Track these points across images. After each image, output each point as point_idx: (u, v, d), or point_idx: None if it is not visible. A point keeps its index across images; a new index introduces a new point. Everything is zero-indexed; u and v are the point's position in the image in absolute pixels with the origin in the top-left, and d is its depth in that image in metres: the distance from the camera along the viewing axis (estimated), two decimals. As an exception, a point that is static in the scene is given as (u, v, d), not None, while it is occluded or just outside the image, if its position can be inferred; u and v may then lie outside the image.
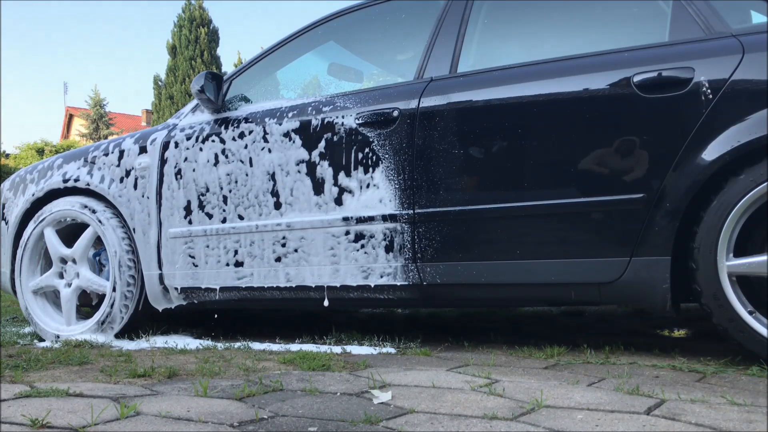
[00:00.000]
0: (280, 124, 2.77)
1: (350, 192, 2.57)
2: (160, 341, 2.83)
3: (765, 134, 1.95)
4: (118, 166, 3.07)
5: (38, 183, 3.28)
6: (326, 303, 2.61)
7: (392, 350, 2.51)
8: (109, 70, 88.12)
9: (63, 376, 2.06)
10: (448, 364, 2.19)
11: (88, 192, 3.13)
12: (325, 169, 2.63)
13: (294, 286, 2.68)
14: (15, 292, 3.27)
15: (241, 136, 2.84)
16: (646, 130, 2.14)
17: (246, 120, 2.87)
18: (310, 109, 2.73)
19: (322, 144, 2.64)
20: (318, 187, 2.64)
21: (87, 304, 3.28)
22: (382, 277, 2.50)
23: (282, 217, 2.70)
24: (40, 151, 25.32)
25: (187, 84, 22.81)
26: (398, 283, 2.49)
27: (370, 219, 2.52)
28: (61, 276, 3.15)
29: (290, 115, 2.77)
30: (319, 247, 2.62)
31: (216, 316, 3.11)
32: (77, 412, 1.58)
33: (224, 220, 2.82)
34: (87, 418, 1.51)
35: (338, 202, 2.59)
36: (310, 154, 2.66)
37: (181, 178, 2.93)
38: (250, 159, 2.79)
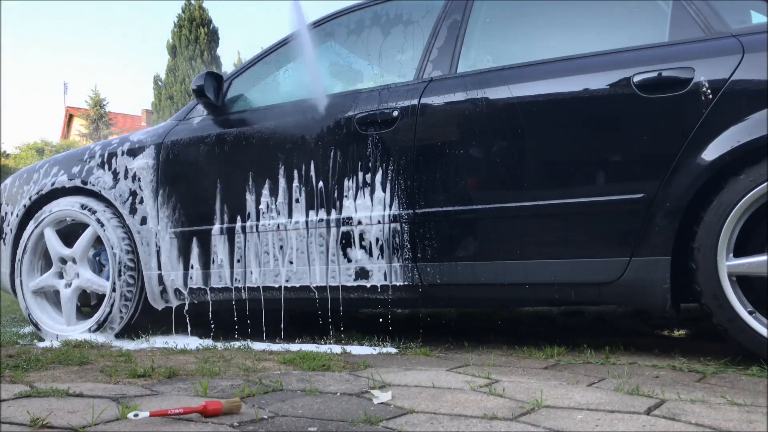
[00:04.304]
0: (281, 124, 2.77)
1: (350, 192, 2.57)
2: (159, 341, 2.83)
3: (765, 134, 1.95)
4: (118, 166, 3.07)
5: (40, 182, 3.27)
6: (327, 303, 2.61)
7: (392, 350, 2.51)
8: (109, 70, 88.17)
9: (63, 376, 2.06)
10: (448, 364, 2.19)
11: (88, 192, 3.13)
12: (324, 170, 2.63)
13: (292, 286, 2.68)
14: (15, 292, 3.27)
15: (241, 136, 2.84)
16: (646, 130, 2.14)
17: (246, 120, 2.87)
18: (310, 109, 2.72)
19: (322, 144, 2.64)
20: (318, 188, 2.64)
21: (87, 304, 3.28)
22: (382, 277, 2.51)
23: (281, 217, 2.70)
24: (40, 151, 25.34)
25: (187, 84, 22.82)
26: (398, 283, 2.49)
27: (370, 219, 2.52)
28: (61, 276, 3.15)
29: (290, 115, 2.77)
30: (318, 247, 2.62)
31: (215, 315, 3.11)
32: (77, 412, 1.58)
33: (223, 221, 2.82)
34: (87, 418, 1.51)
35: (338, 202, 2.59)
36: (310, 155, 2.66)
37: (178, 178, 2.93)
38: (250, 159, 2.79)
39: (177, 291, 2.92)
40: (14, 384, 1.92)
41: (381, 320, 2.94)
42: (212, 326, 2.88)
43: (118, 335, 2.99)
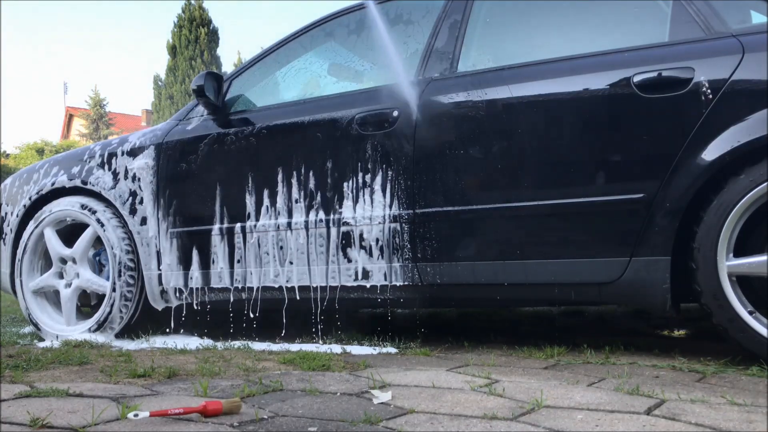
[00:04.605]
0: (280, 125, 2.77)
1: (350, 193, 2.57)
2: (159, 341, 2.83)
3: (765, 134, 1.95)
4: (118, 166, 3.07)
5: (40, 182, 3.27)
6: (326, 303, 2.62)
7: (392, 350, 2.51)
8: (109, 70, 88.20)
9: (63, 376, 2.06)
10: (448, 364, 2.19)
11: (88, 192, 3.13)
12: (325, 170, 2.63)
13: (292, 286, 2.68)
14: (15, 292, 3.27)
15: (240, 136, 2.84)
16: (646, 130, 2.14)
17: (245, 120, 2.87)
18: (310, 109, 2.73)
19: (322, 144, 2.64)
20: (318, 188, 2.64)
21: (87, 304, 3.28)
22: (382, 277, 2.50)
23: (281, 217, 2.70)
24: (40, 151, 25.34)
25: (187, 84, 22.81)
26: (398, 283, 2.49)
27: (370, 219, 2.52)
28: (61, 276, 3.15)
29: (290, 115, 2.77)
30: (318, 247, 2.62)
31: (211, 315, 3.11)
32: (77, 412, 1.58)
33: (223, 221, 2.82)
34: (87, 418, 1.51)
35: (338, 202, 2.59)
36: (309, 155, 2.66)
37: (178, 179, 2.93)
38: (249, 159, 2.79)
39: (177, 291, 2.92)
40: (14, 384, 1.92)
41: (381, 320, 2.94)
42: (212, 326, 2.88)
43: (118, 335, 2.99)
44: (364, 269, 2.54)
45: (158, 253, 2.94)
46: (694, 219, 2.07)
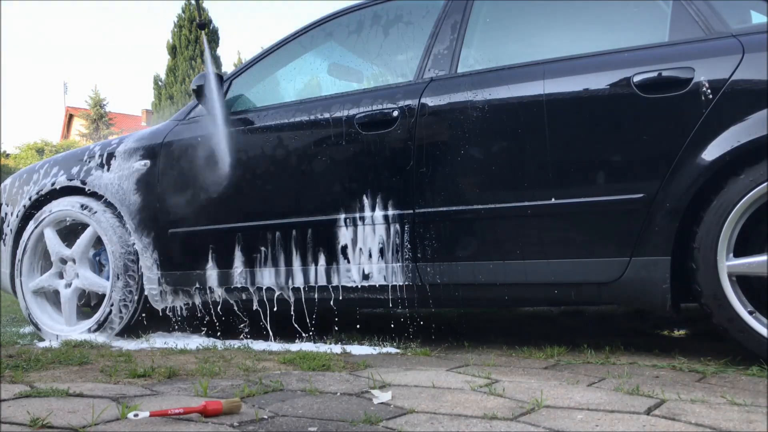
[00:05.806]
0: (280, 124, 2.77)
1: (350, 192, 2.57)
2: (159, 341, 2.83)
3: (765, 134, 1.95)
4: (118, 166, 3.07)
5: (39, 182, 3.27)
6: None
7: (392, 350, 2.51)
8: (109, 70, 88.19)
9: (63, 376, 2.06)
10: (448, 364, 2.19)
11: (88, 192, 3.13)
12: (324, 170, 2.63)
13: (293, 287, 2.67)
14: (15, 292, 3.27)
15: (240, 136, 2.83)
16: (646, 130, 2.14)
17: (245, 120, 2.87)
18: (309, 109, 2.73)
19: (321, 144, 2.64)
20: (317, 188, 2.64)
21: (87, 304, 3.28)
22: (382, 278, 2.50)
23: (280, 217, 2.70)
24: (40, 151, 25.34)
25: (187, 84, 22.80)
26: (398, 284, 2.49)
27: (371, 220, 2.52)
28: (61, 276, 3.15)
29: (289, 115, 2.77)
30: (319, 247, 2.62)
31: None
32: (77, 412, 1.58)
33: (222, 221, 2.82)
34: (87, 418, 1.51)
35: (337, 202, 2.59)
36: (309, 155, 2.66)
37: (178, 179, 2.93)
38: (249, 159, 2.79)
39: (177, 291, 2.92)
40: (14, 384, 1.92)
41: (381, 320, 2.94)
42: (212, 326, 2.87)
43: (118, 335, 2.99)
44: (363, 270, 2.54)
45: (158, 254, 2.94)
46: (694, 219, 2.07)
